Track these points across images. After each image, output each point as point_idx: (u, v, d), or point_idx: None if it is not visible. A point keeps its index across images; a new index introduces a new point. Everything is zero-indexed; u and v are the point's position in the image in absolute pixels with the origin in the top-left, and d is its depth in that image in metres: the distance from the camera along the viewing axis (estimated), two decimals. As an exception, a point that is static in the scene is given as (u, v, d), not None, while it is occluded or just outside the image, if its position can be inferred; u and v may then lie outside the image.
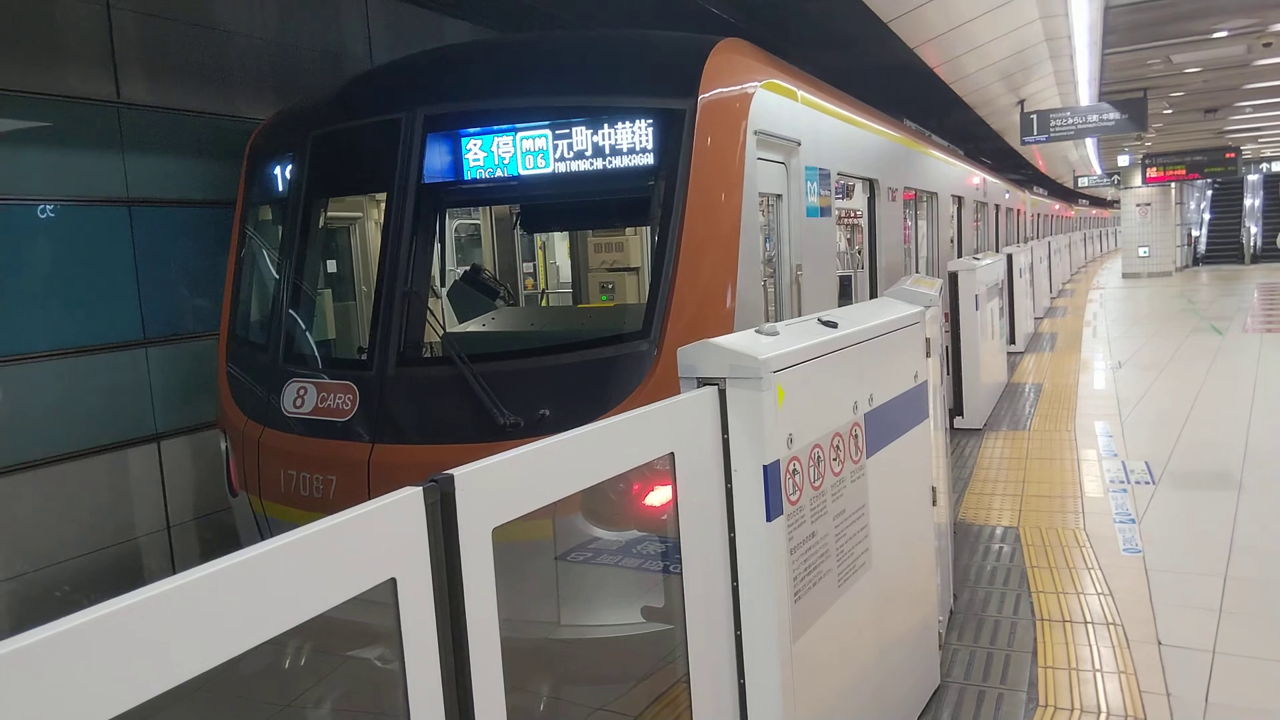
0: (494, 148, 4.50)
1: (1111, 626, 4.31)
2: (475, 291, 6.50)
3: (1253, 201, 35.18)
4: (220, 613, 1.30)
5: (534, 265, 9.74)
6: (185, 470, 6.11)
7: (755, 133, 4.53)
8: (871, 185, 7.57)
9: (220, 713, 3.28)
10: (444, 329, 5.52)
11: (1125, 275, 28.13)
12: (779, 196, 5.22)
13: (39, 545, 5.31)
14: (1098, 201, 53.69)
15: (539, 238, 9.44)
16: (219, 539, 6.14)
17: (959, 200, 12.61)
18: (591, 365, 4.13)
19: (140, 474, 5.85)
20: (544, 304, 9.45)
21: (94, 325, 5.60)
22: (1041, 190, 30.81)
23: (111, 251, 5.71)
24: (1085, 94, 14.43)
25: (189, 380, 6.11)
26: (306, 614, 1.41)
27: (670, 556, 2.42)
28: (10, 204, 5.20)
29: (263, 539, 1.44)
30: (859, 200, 8.17)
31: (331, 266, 6.96)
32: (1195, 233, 34.25)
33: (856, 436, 3.00)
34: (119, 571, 5.67)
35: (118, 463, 5.72)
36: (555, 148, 4.38)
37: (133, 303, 5.82)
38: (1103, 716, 3.57)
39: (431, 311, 4.69)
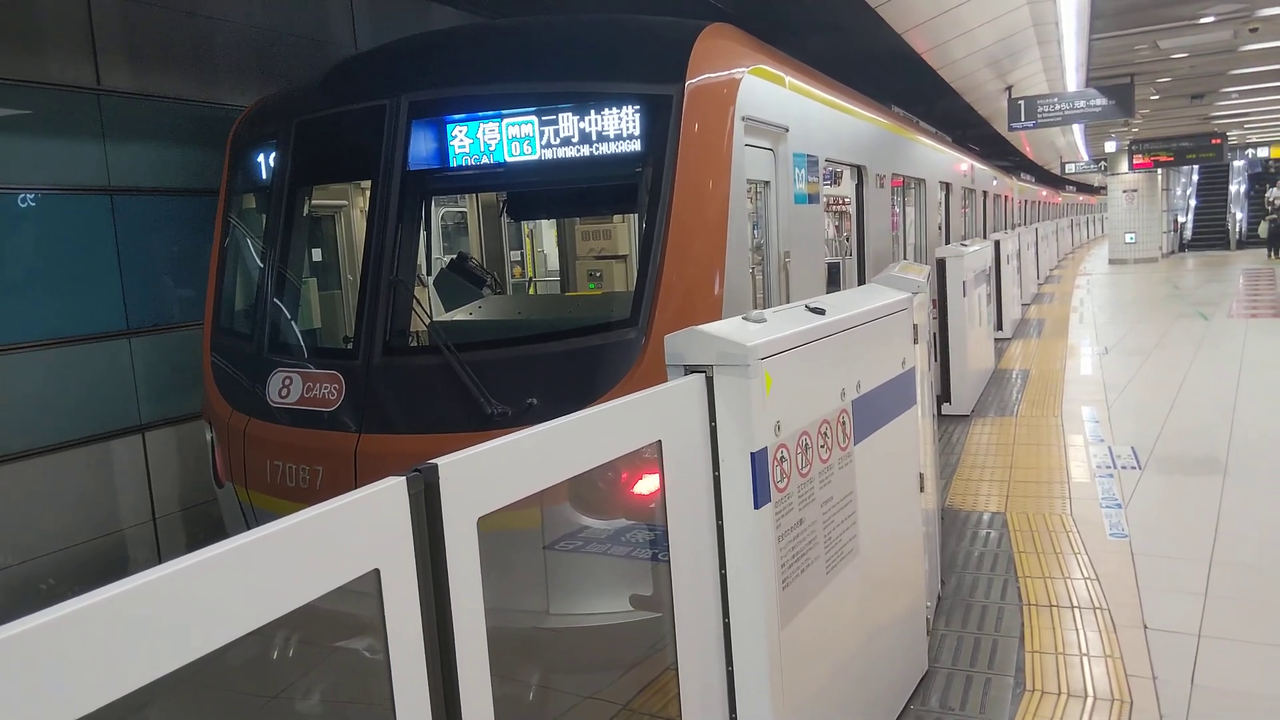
0: (480, 134, 4.46)
1: (1098, 611, 4.34)
2: (462, 280, 6.47)
3: (1238, 187, 35.32)
4: (204, 603, 1.28)
5: (521, 253, 9.72)
6: (170, 461, 6.07)
7: (743, 119, 4.51)
8: (859, 172, 7.56)
9: (205, 705, 3.27)
10: (430, 318, 5.49)
11: (1112, 261, 28.23)
12: (767, 183, 5.21)
13: (22, 538, 5.27)
14: (1085, 188, 53.83)
15: (526, 225, 9.41)
16: (205, 530, 6.11)
17: (947, 187, 12.61)
18: (579, 353, 4.11)
19: (125, 465, 5.81)
20: (531, 292, 9.43)
21: (76, 315, 5.55)
22: (1029, 176, 30.88)
23: (93, 240, 5.65)
24: (1073, 80, 14.44)
25: (173, 371, 6.06)
26: (290, 605, 1.40)
27: (658, 545, 2.42)
28: (-11, 193, 5.15)
29: (249, 529, 1.42)
30: (847, 187, 8.16)
31: (316, 255, 6.92)
32: (1181, 219, 34.38)
33: (844, 423, 2.99)
34: (104, 564, 5.64)
35: (102, 454, 5.68)
36: (542, 134, 4.35)
37: (115, 292, 5.76)
38: (1089, 700, 3.59)
39: (418, 300, 4.67)
